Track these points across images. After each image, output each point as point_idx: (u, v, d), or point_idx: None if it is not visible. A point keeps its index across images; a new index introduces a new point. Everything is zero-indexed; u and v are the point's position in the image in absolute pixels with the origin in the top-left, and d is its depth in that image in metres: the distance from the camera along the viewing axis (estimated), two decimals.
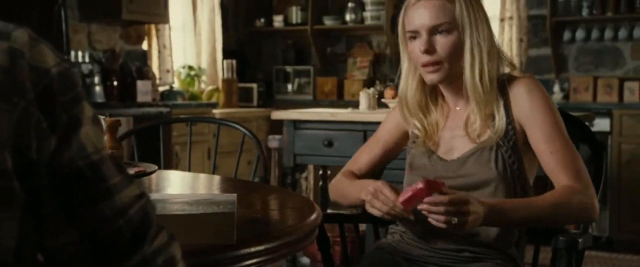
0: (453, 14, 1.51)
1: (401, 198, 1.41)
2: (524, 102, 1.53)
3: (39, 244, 0.70)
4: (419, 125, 1.63)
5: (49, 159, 0.68)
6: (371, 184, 1.51)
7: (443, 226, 1.35)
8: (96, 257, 0.70)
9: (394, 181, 1.58)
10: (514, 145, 1.53)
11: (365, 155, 1.75)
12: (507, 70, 1.61)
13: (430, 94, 1.64)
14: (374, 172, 1.77)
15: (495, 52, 1.55)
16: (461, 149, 1.57)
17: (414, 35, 1.55)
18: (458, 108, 1.61)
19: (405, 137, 1.72)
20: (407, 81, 1.63)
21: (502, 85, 1.56)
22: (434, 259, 1.57)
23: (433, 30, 1.52)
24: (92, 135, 0.71)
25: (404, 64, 1.62)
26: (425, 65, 1.54)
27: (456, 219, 1.33)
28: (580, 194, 1.45)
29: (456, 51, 1.52)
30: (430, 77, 1.55)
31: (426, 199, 1.34)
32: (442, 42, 1.52)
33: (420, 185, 1.35)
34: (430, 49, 1.52)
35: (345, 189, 1.70)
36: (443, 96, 1.64)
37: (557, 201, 1.45)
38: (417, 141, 1.64)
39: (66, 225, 0.69)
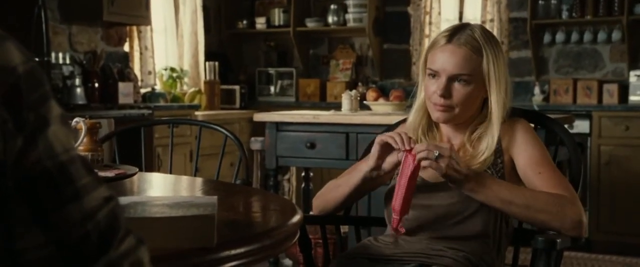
0: (477, 67, 1.57)
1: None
2: (516, 136, 1.60)
3: (6, 246, 0.69)
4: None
5: (15, 159, 0.67)
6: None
7: (426, 160, 1.45)
8: (61, 260, 0.69)
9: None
10: (501, 175, 1.59)
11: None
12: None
13: (432, 122, 1.70)
14: (364, 189, 1.75)
15: (510, 99, 1.62)
16: None
17: (434, 74, 1.60)
18: (453, 143, 1.67)
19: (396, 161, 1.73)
20: (418, 109, 1.69)
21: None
22: (399, 256, 1.57)
23: (453, 78, 1.57)
24: (61, 135, 0.70)
25: (420, 95, 1.68)
26: (436, 104, 1.60)
27: (437, 153, 1.44)
28: (570, 204, 1.49)
29: (469, 100, 1.59)
30: (438, 116, 1.62)
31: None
32: (459, 90, 1.58)
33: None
34: (446, 95, 1.58)
35: (340, 179, 1.70)
36: (440, 129, 1.70)
37: (546, 198, 1.49)
38: None
39: (32, 227, 0.68)
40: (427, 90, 1.62)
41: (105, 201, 0.72)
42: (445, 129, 1.69)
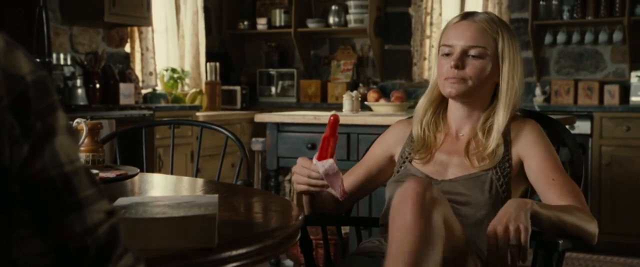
0: (491, 43, 1.56)
1: (315, 156, 1.46)
2: (527, 137, 1.58)
3: (5, 254, 0.69)
4: (420, 132, 1.65)
5: (20, 166, 0.67)
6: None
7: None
8: None
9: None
10: (508, 178, 1.57)
11: (348, 177, 1.74)
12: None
13: (440, 112, 1.67)
14: (356, 196, 1.76)
15: (521, 93, 1.61)
16: (456, 172, 1.60)
17: (448, 51, 1.58)
18: (461, 135, 1.64)
19: (390, 164, 1.72)
20: (428, 93, 1.67)
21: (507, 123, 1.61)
22: None
23: (466, 51, 1.56)
24: (67, 145, 0.70)
25: (433, 90, 1.66)
26: (448, 77, 1.57)
27: (509, 257, 1.34)
28: (589, 218, 1.50)
29: (482, 75, 1.57)
30: (450, 90, 1.58)
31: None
32: (473, 64, 1.57)
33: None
34: (459, 65, 1.56)
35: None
36: (448, 122, 1.67)
37: (575, 217, 1.48)
38: (408, 157, 1.66)
39: (33, 235, 0.68)
40: (440, 70, 1.59)
41: (106, 216, 0.72)
42: (453, 119, 1.65)
